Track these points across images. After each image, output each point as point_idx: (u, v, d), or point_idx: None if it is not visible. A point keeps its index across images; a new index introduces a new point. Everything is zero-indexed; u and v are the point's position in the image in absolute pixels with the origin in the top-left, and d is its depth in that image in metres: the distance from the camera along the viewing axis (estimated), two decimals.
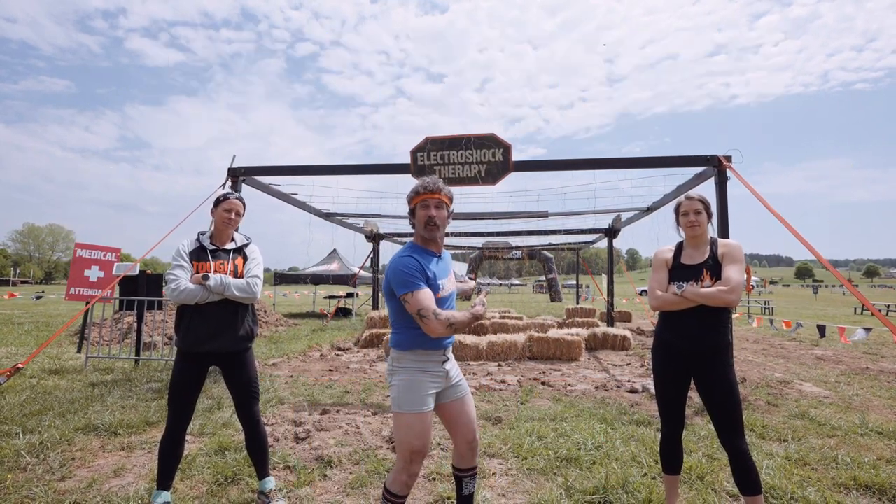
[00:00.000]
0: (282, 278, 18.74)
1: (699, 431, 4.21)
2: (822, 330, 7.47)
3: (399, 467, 2.20)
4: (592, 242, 16.48)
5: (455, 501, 2.91)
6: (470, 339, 8.56)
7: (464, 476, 2.42)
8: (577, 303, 21.04)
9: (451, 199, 2.32)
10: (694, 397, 5.22)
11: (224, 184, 6.98)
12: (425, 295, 2.12)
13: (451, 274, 2.41)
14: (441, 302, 2.23)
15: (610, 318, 12.78)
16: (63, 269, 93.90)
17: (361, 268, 16.71)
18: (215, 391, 5.48)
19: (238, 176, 7.15)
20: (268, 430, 4.11)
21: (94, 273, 8.01)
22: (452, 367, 2.36)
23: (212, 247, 2.84)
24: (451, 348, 2.36)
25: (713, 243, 2.60)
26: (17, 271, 77.26)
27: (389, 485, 2.21)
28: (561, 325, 11.63)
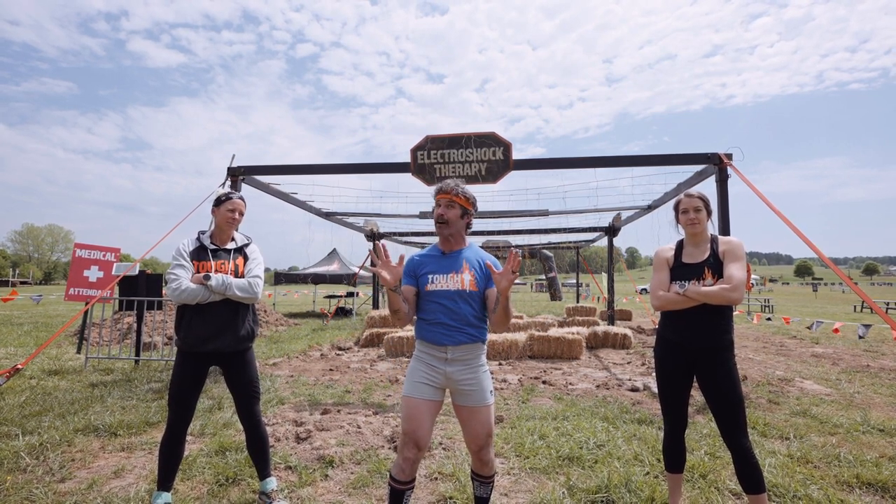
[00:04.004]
0: (282, 278, 18.73)
1: (701, 430, 4.20)
2: (815, 325, 7.49)
3: (398, 450, 2.28)
4: (593, 241, 16.47)
5: (458, 501, 2.91)
6: None
7: (475, 479, 2.46)
8: (578, 301, 21.04)
9: (467, 199, 2.40)
10: (696, 395, 5.22)
11: (224, 183, 6.97)
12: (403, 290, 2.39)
13: (462, 272, 2.34)
14: (429, 295, 2.34)
15: (611, 316, 12.78)
16: (62, 270, 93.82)
17: (361, 267, 16.70)
18: (216, 391, 5.47)
19: (238, 175, 7.14)
20: (269, 430, 4.10)
21: (93, 273, 7.99)
22: (461, 372, 2.30)
23: (212, 246, 2.83)
24: (458, 351, 2.29)
25: (714, 241, 2.59)
26: (17, 272, 77.16)
27: (390, 468, 2.30)
28: (561, 324, 11.62)
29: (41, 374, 6.47)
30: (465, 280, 2.33)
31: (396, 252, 2.33)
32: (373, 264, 2.24)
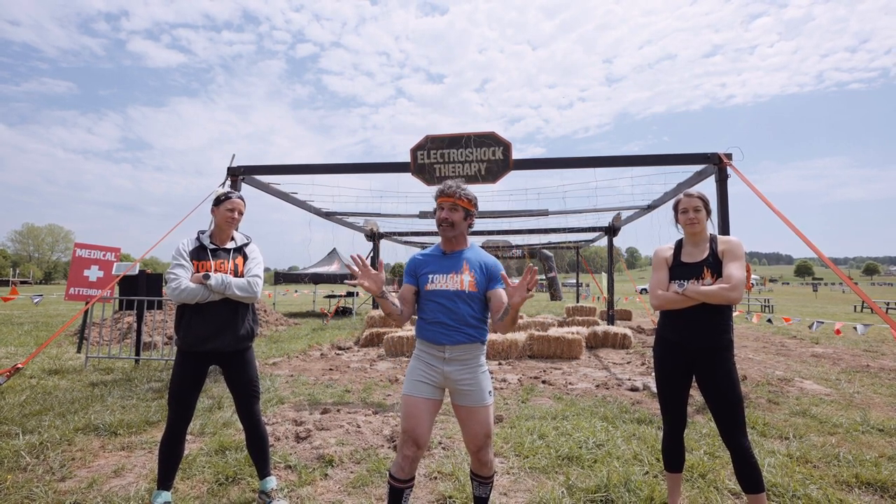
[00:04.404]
0: (282, 278, 18.73)
1: (701, 429, 4.20)
2: (814, 325, 7.50)
3: (397, 448, 2.26)
4: (592, 241, 16.48)
5: (457, 500, 2.92)
6: None
7: (474, 479, 2.46)
8: (578, 301, 21.04)
9: (469, 201, 2.41)
10: (695, 395, 5.22)
11: (223, 183, 6.97)
12: (402, 289, 2.46)
13: (462, 273, 2.34)
14: (428, 295, 2.36)
15: (611, 316, 12.78)
16: (62, 270, 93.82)
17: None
18: (216, 391, 5.48)
19: (238, 175, 7.14)
20: (268, 429, 4.10)
21: (93, 273, 7.99)
22: (459, 372, 2.30)
23: (212, 246, 2.84)
24: (456, 351, 2.29)
25: (713, 240, 2.59)
26: (17, 272, 77.16)
27: (390, 467, 2.31)
28: (561, 324, 11.63)
29: (41, 373, 6.47)
30: (464, 281, 2.33)
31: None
32: (352, 277, 2.25)
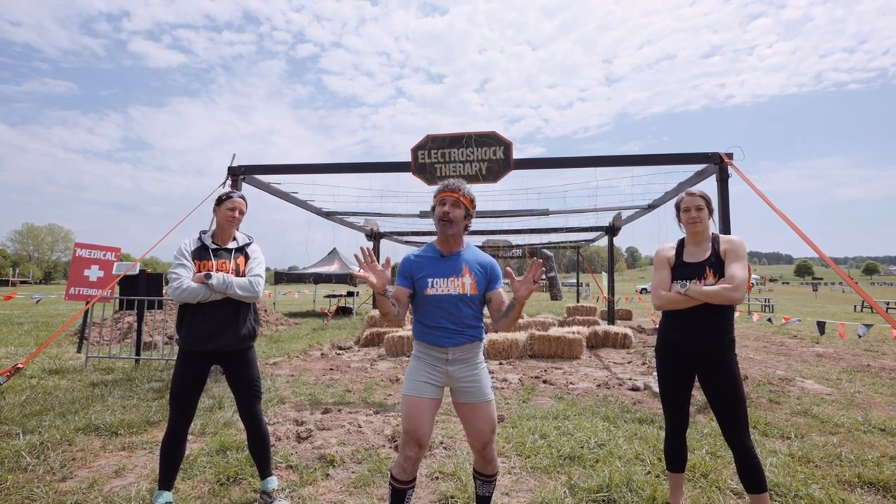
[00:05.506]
0: (282, 277, 18.72)
1: (703, 429, 4.20)
2: (821, 327, 7.49)
3: (399, 449, 2.26)
4: (593, 241, 16.47)
5: (459, 500, 2.91)
6: None
7: (477, 478, 2.46)
8: (578, 301, 21.02)
9: (470, 201, 2.39)
10: (697, 395, 5.21)
11: (224, 182, 6.97)
12: (395, 291, 2.37)
13: (463, 276, 2.32)
14: (429, 299, 2.30)
15: (611, 316, 12.78)
16: (62, 269, 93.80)
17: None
18: (216, 390, 5.47)
19: (238, 175, 7.13)
20: (269, 429, 4.08)
21: (93, 273, 7.99)
22: (462, 370, 2.30)
23: (214, 246, 2.83)
24: (458, 351, 2.29)
25: (715, 240, 2.58)
26: (17, 271, 77.15)
27: (391, 468, 2.29)
28: (562, 324, 11.62)
29: (42, 373, 6.47)
30: (465, 284, 2.32)
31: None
32: (352, 279, 2.24)
